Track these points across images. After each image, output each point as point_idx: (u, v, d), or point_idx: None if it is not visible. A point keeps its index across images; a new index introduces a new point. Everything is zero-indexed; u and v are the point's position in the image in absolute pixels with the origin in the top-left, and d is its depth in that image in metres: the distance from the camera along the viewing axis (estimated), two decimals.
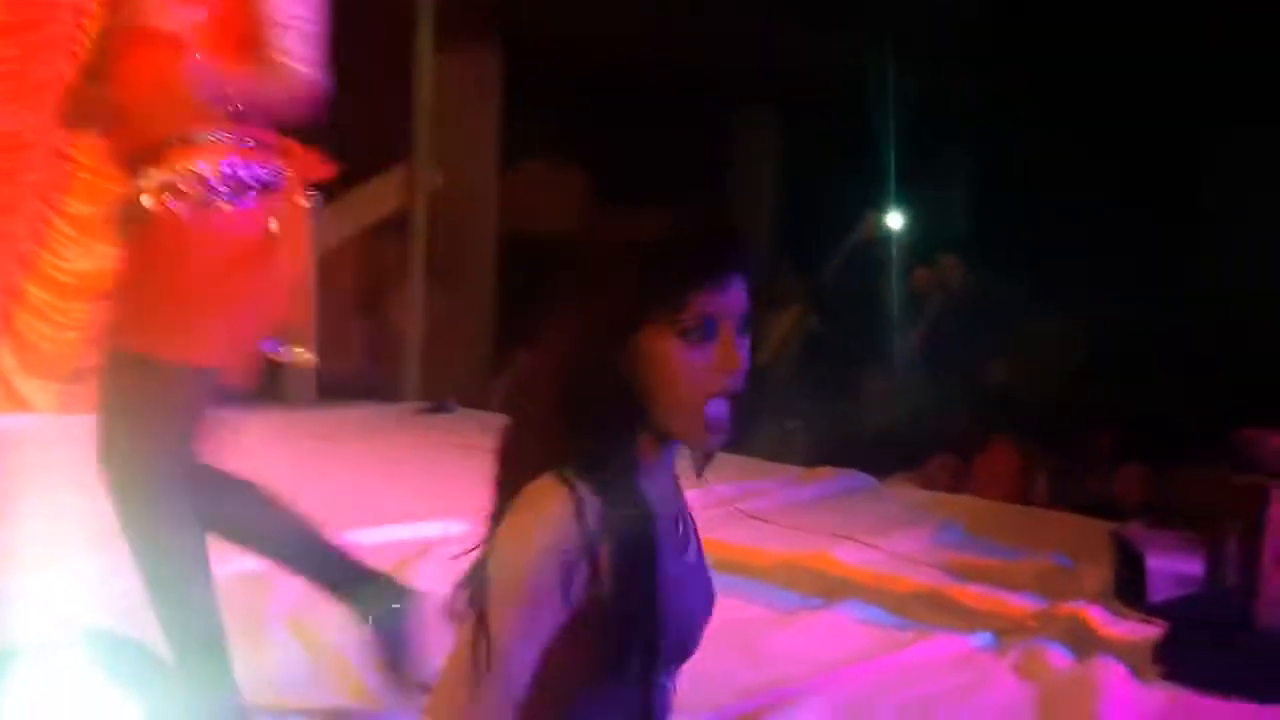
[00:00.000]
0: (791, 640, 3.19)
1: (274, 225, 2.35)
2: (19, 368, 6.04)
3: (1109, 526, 4.07)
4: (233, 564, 2.78)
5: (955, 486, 5.68)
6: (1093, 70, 6.86)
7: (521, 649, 1.34)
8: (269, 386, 6.96)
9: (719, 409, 1.42)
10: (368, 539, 3.87)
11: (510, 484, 1.43)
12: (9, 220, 5.95)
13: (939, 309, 6.57)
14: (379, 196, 7.22)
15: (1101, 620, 3.48)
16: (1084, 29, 6.80)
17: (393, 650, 2.53)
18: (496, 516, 1.44)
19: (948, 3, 7.31)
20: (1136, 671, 3.01)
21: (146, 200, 2.28)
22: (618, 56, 7.71)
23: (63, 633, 2.57)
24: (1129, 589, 3.66)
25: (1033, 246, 6.61)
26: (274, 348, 2.48)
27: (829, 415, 6.01)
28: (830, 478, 5.19)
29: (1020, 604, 3.65)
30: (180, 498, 2.34)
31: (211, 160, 2.29)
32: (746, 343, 1.44)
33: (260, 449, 5.37)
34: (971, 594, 3.73)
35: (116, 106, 2.34)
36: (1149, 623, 3.41)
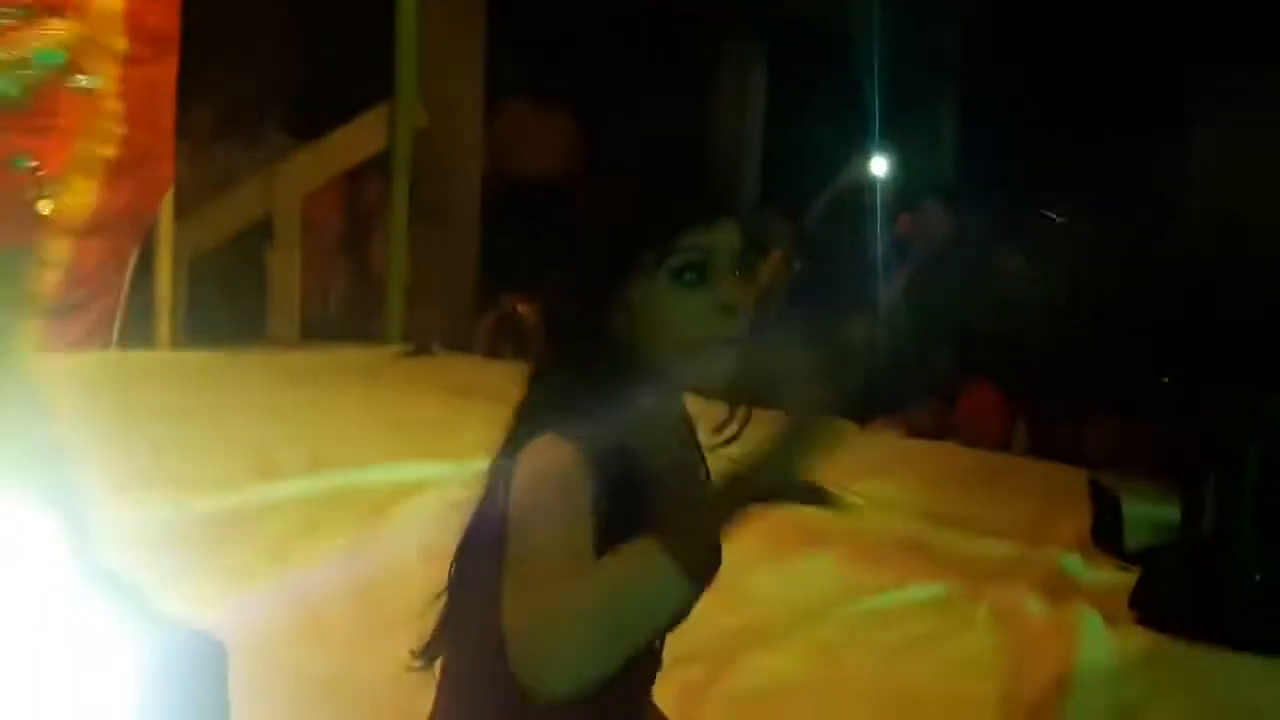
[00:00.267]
0: (769, 584, 3.22)
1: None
2: None
3: (1087, 474, 4.09)
4: None
5: (937, 433, 5.70)
6: (1080, 11, 6.83)
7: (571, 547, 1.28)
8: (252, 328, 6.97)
9: (719, 351, 1.40)
10: (349, 481, 3.89)
11: (511, 436, 1.41)
12: None
13: (922, 254, 6.55)
14: (361, 136, 7.16)
15: (1078, 567, 3.52)
16: None
17: None
18: (494, 466, 1.42)
19: None
20: (1112, 618, 3.03)
21: None
22: None
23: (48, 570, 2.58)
24: (1106, 536, 3.69)
25: (1018, 191, 6.60)
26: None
27: (811, 361, 5.99)
28: None
29: (997, 551, 3.68)
30: None
31: None
32: (744, 285, 1.42)
33: (242, 390, 5.40)
34: (949, 540, 3.76)
35: None
36: (1126, 570, 3.44)
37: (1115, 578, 3.42)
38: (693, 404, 1.51)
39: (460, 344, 6.87)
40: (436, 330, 6.88)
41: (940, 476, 4.48)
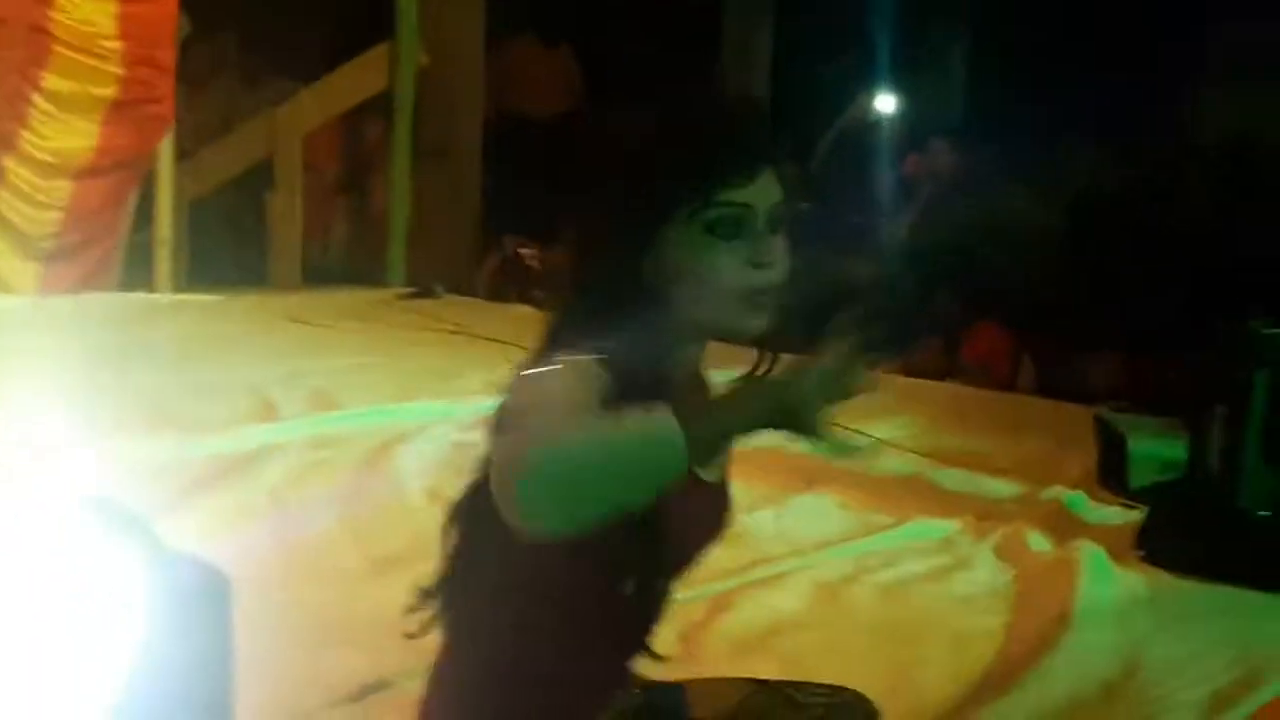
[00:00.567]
0: (772, 523, 3.21)
1: None
2: None
3: (1094, 412, 4.07)
4: None
5: (943, 371, 5.68)
6: None
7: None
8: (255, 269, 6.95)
9: (750, 305, 1.37)
10: (350, 422, 3.88)
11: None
12: None
13: (929, 193, 6.51)
14: (362, 77, 7.10)
15: (1083, 505, 3.51)
16: None
17: None
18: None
19: None
20: (1117, 555, 3.03)
21: None
22: None
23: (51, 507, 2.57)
24: (1112, 474, 3.68)
25: (1026, 130, 6.54)
26: None
27: (817, 302, 5.98)
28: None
29: (1002, 489, 3.67)
30: None
31: None
32: (781, 240, 1.39)
33: (243, 333, 5.39)
34: (953, 479, 3.75)
35: None
36: (1131, 508, 3.43)
37: (1121, 515, 3.41)
38: (721, 350, 1.48)
39: (462, 286, 6.85)
40: (438, 272, 6.85)
41: (945, 415, 4.47)
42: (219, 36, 7.36)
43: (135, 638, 1.74)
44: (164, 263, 6.41)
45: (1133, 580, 2.94)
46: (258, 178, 7.00)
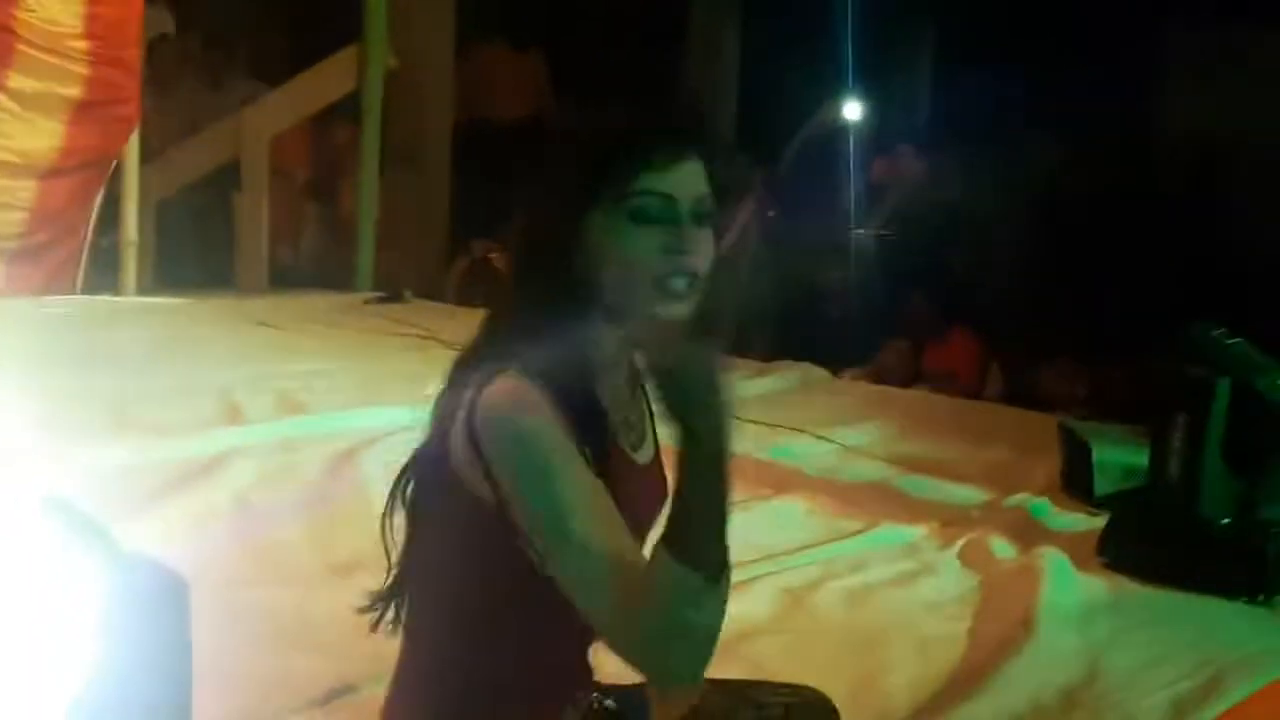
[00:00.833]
0: (740, 528, 3.20)
1: None
2: None
3: (1058, 420, 4.10)
4: None
5: (910, 379, 5.70)
6: None
7: (591, 506, 1.31)
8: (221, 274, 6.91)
9: (668, 293, 1.38)
10: (316, 426, 3.86)
11: (461, 368, 1.42)
12: None
13: (897, 199, 6.54)
14: (330, 79, 7.07)
15: (1047, 512, 3.53)
16: None
17: None
18: (440, 399, 1.42)
19: None
20: (1080, 562, 3.04)
21: None
22: None
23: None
24: (1076, 481, 3.70)
25: (991, 137, 6.58)
26: None
27: (785, 307, 6.00)
28: (786, 371, 5.20)
29: (967, 496, 3.68)
30: None
31: None
32: (706, 233, 1.41)
33: (210, 336, 5.36)
34: (920, 486, 3.77)
35: None
36: (1095, 515, 3.45)
37: (1084, 522, 3.43)
38: None
39: (431, 291, 6.82)
40: (407, 277, 6.83)
41: (913, 422, 4.48)
42: (186, 36, 7.32)
43: (94, 642, 1.73)
44: (130, 264, 6.36)
45: (1095, 586, 2.95)
46: (226, 179, 6.97)
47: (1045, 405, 4.82)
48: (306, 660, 2.34)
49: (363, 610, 1.53)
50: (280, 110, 7.04)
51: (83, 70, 5.91)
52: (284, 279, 7.06)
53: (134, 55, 6.17)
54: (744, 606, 2.76)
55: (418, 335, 5.53)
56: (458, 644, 1.46)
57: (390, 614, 1.52)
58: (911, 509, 3.53)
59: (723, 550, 1.29)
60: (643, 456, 1.51)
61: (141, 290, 6.39)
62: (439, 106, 7.36)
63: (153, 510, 3.02)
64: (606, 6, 7.70)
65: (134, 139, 6.26)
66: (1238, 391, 3.03)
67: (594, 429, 1.36)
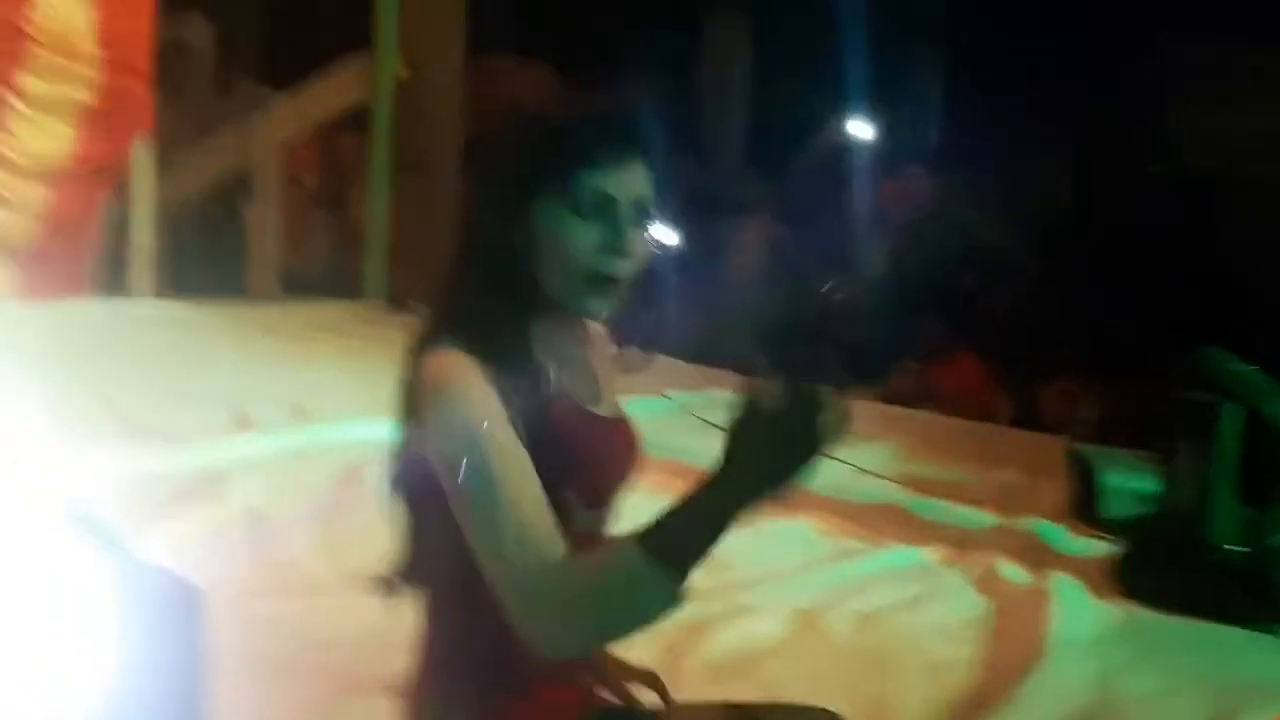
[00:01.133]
0: (750, 548, 3.20)
1: None
2: None
3: (1066, 444, 4.09)
4: None
5: (918, 400, 5.69)
6: None
7: (520, 479, 1.33)
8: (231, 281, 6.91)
9: (597, 288, 1.43)
10: (326, 436, 3.86)
11: (413, 351, 1.46)
12: None
13: (906, 220, 6.54)
14: (340, 87, 7.08)
15: (1057, 536, 3.52)
16: None
17: None
18: (401, 383, 1.47)
19: None
20: (1091, 587, 3.03)
21: None
22: None
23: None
24: (1084, 506, 3.69)
25: (1001, 159, 6.59)
26: None
27: (794, 325, 6.01)
28: None
29: (977, 519, 3.67)
30: None
31: None
32: (643, 233, 1.46)
33: (220, 343, 5.36)
34: (930, 508, 3.76)
35: None
36: (1104, 540, 3.44)
37: (1093, 547, 3.42)
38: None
39: None
40: (417, 287, 6.82)
41: (923, 444, 4.48)
42: (194, 43, 7.33)
43: (109, 649, 1.72)
44: (141, 270, 6.36)
45: (1107, 613, 2.95)
46: (237, 187, 6.97)
47: (1053, 427, 4.81)
48: (316, 668, 2.33)
49: (375, 591, 1.55)
50: (291, 117, 7.04)
51: (94, 75, 5.92)
52: (295, 286, 7.06)
53: (145, 62, 6.18)
54: (753, 628, 2.75)
55: None
56: (460, 618, 1.47)
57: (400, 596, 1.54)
58: (922, 531, 3.53)
59: (689, 566, 1.29)
60: (604, 410, 1.54)
61: (152, 297, 6.39)
62: (449, 117, 7.36)
63: (166, 520, 3.02)
64: (618, 20, 7.70)
65: (145, 146, 6.27)
66: (1248, 419, 3.03)
67: (530, 389, 1.40)
